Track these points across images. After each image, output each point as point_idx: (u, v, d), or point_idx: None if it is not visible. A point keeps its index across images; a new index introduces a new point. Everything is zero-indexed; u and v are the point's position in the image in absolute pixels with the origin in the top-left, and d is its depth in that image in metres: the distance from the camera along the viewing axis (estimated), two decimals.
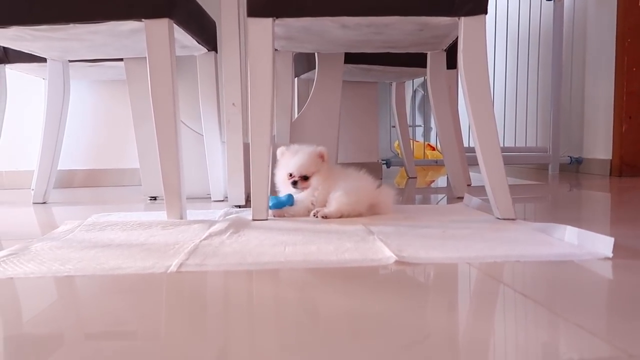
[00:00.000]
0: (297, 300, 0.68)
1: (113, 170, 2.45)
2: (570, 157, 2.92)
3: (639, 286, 0.72)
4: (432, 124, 4.04)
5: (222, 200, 1.76)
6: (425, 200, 1.89)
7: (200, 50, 1.66)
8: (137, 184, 2.24)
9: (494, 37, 3.24)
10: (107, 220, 1.29)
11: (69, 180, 2.43)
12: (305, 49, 1.77)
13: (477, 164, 1.28)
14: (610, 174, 2.63)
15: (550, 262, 0.84)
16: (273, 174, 1.38)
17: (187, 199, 1.34)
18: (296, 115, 2.17)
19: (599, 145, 2.75)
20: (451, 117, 1.92)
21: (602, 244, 0.87)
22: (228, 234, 1.07)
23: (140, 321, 0.61)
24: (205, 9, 1.58)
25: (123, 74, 1.89)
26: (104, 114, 2.45)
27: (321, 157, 1.35)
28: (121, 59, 1.84)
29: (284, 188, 1.38)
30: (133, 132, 1.88)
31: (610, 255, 0.84)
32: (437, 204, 1.79)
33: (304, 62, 2.23)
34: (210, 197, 1.80)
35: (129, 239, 1.04)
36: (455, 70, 1.99)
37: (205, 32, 1.59)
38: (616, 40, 2.59)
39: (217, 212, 1.40)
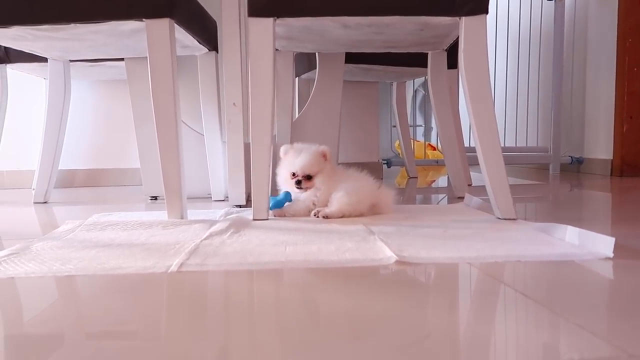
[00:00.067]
0: (298, 300, 0.68)
1: (114, 170, 2.46)
2: (571, 157, 2.92)
3: (639, 286, 0.72)
4: (433, 124, 4.04)
5: (223, 200, 1.76)
6: (426, 200, 1.89)
7: (201, 50, 1.66)
8: (137, 184, 2.24)
9: (494, 37, 3.23)
10: (107, 220, 1.29)
11: (70, 180, 2.43)
12: (306, 48, 1.77)
13: (478, 164, 1.28)
14: (611, 174, 2.63)
15: (551, 262, 0.84)
16: (275, 174, 1.37)
17: (187, 198, 1.34)
18: (297, 115, 2.17)
19: (600, 145, 2.75)
20: (452, 116, 1.91)
21: (603, 244, 0.86)
22: (229, 233, 1.07)
23: (140, 321, 0.61)
24: (206, 9, 1.59)
25: (124, 74, 1.89)
26: (105, 113, 2.46)
27: (324, 156, 1.35)
28: (122, 59, 1.84)
29: (286, 188, 1.37)
30: (134, 132, 1.88)
31: (611, 255, 0.84)
32: (437, 203, 1.79)
33: (304, 62, 2.23)
34: (211, 197, 1.80)
35: (129, 239, 1.04)
36: (456, 70, 1.99)
37: (206, 32, 1.59)
38: (617, 40, 2.59)
39: (217, 212, 1.40)
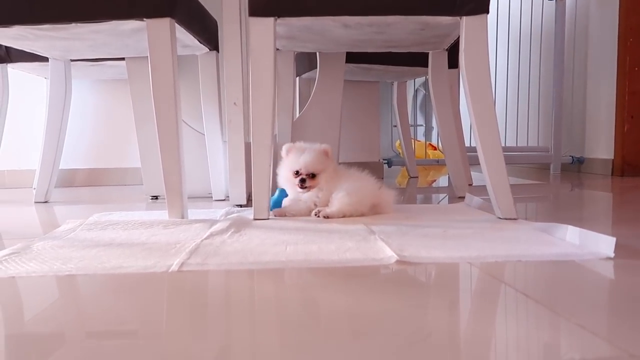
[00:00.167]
0: (298, 300, 0.68)
1: (114, 169, 2.46)
2: (572, 157, 2.92)
3: None
4: (434, 124, 4.04)
5: (224, 200, 1.76)
6: (427, 200, 1.89)
7: (201, 49, 1.66)
8: (138, 183, 2.24)
9: (495, 37, 3.23)
10: (108, 219, 1.29)
11: (71, 180, 2.43)
12: (307, 48, 1.77)
13: (479, 164, 1.28)
14: (612, 174, 2.63)
15: (552, 261, 0.84)
16: (275, 174, 1.37)
17: (188, 198, 1.34)
18: (297, 115, 2.17)
19: (601, 144, 2.75)
20: (452, 116, 1.91)
21: (603, 244, 0.86)
22: (229, 233, 1.07)
23: (141, 320, 0.61)
24: (207, 9, 1.59)
25: (125, 74, 1.89)
26: (106, 113, 2.46)
27: (326, 154, 1.35)
28: (123, 59, 1.84)
29: (288, 187, 1.37)
30: (134, 132, 1.88)
31: (612, 255, 0.83)
32: (438, 203, 1.79)
33: (305, 62, 2.23)
34: (212, 197, 1.80)
35: (130, 238, 1.04)
36: (456, 69, 1.99)
37: (206, 31, 1.59)
38: (618, 40, 2.59)
39: (218, 212, 1.40)
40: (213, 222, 1.21)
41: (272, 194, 1.36)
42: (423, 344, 0.52)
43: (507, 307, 0.66)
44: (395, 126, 2.89)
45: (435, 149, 3.69)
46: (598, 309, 0.65)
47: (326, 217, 1.26)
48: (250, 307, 0.67)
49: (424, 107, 4.40)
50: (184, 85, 1.57)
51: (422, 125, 4.38)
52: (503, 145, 1.30)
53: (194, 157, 1.76)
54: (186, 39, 1.47)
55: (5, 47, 1.85)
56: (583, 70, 2.90)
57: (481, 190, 1.57)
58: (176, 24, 1.28)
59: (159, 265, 0.81)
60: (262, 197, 1.28)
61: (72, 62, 1.90)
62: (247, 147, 1.48)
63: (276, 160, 1.38)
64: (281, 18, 1.27)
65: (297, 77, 2.39)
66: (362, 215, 1.30)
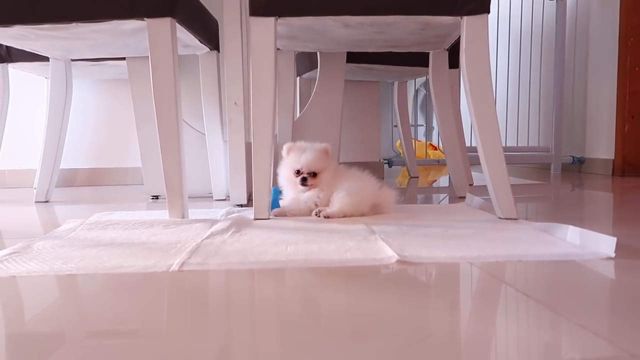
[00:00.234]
0: (299, 299, 0.68)
1: (115, 169, 2.46)
2: (573, 157, 2.92)
3: None
4: (434, 124, 4.04)
5: (224, 200, 1.76)
6: (427, 200, 1.89)
7: (202, 49, 1.66)
8: (139, 183, 2.24)
9: (496, 37, 3.23)
10: (109, 219, 1.29)
11: (71, 179, 2.43)
12: (308, 48, 1.77)
13: (479, 164, 1.28)
14: (613, 174, 2.63)
15: (553, 261, 0.84)
16: (276, 174, 1.37)
17: (189, 198, 1.34)
18: (298, 115, 2.17)
19: (602, 145, 2.75)
20: (453, 116, 1.91)
21: (604, 244, 0.86)
22: (230, 233, 1.07)
23: (142, 320, 0.61)
24: (208, 8, 1.59)
25: (125, 73, 1.89)
26: (106, 113, 2.46)
27: (326, 153, 1.35)
28: (123, 58, 1.85)
29: (289, 187, 1.37)
30: (135, 131, 1.88)
31: (613, 255, 0.83)
32: (439, 203, 1.79)
33: (306, 62, 2.23)
34: (212, 196, 1.80)
35: (130, 238, 1.04)
36: (457, 69, 1.99)
37: (207, 31, 1.59)
38: (619, 40, 2.59)
39: (219, 211, 1.40)
40: (213, 221, 1.21)
41: None
42: (423, 344, 0.52)
43: (508, 307, 0.66)
44: (396, 126, 2.89)
45: (435, 149, 3.69)
46: (599, 309, 0.65)
47: (327, 217, 1.26)
48: (251, 306, 0.67)
49: (424, 107, 4.40)
50: (185, 85, 1.57)
51: (422, 125, 4.38)
52: (504, 145, 1.29)
53: (194, 156, 1.76)
54: (187, 39, 1.47)
55: (6, 46, 1.85)
56: (584, 70, 2.89)
57: (482, 190, 1.57)
58: (177, 24, 1.28)
59: (160, 265, 0.81)
60: (262, 197, 1.28)
61: (72, 62, 1.90)
62: (248, 146, 1.48)
63: (277, 160, 1.38)
64: (282, 18, 1.27)
65: (298, 77, 2.39)
66: (362, 215, 1.30)
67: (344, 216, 1.28)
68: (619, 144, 2.61)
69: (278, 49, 1.41)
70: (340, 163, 1.57)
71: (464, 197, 1.59)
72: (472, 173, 2.29)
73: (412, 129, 3.22)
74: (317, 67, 2.02)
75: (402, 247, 0.90)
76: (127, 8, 1.24)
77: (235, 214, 1.34)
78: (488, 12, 1.25)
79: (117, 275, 0.79)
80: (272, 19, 1.26)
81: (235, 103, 1.53)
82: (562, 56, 2.92)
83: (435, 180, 2.74)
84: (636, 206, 1.60)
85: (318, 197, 1.33)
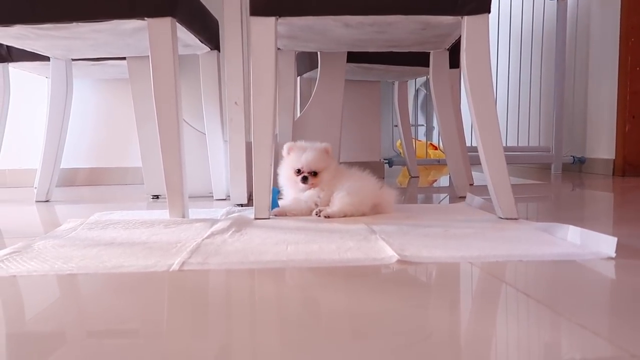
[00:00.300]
0: (299, 299, 0.68)
1: (115, 168, 2.46)
2: (573, 157, 2.92)
3: None
4: (435, 123, 4.04)
5: (224, 199, 1.76)
6: (428, 200, 1.89)
7: (202, 49, 1.66)
8: (139, 183, 2.24)
9: (497, 36, 3.23)
10: (109, 218, 1.29)
11: (72, 179, 2.43)
12: (308, 47, 1.77)
13: (480, 164, 1.28)
14: (613, 174, 2.63)
15: (553, 261, 0.84)
16: (276, 174, 1.37)
17: (189, 197, 1.34)
18: (298, 114, 2.17)
19: (602, 144, 2.74)
20: (454, 116, 1.91)
21: (605, 244, 0.86)
22: (230, 232, 1.07)
23: (142, 319, 0.61)
24: (208, 8, 1.59)
25: (126, 73, 1.89)
26: (107, 112, 2.46)
27: (327, 152, 1.35)
28: (124, 58, 1.85)
29: (289, 187, 1.37)
30: (135, 131, 1.88)
31: (613, 255, 0.83)
32: (439, 203, 1.79)
33: (306, 61, 2.23)
34: (213, 196, 1.80)
35: (131, 238, 1.04)
36: (458, 69, 1.99)
37: (207, 31, 1.59)
38: (620, 40, 2.58)
39: (219, 211, 1.40)
40: (214, 221, 1.21)
41: None
42: (424, 344, 0.52)
43: (508, 306, 0.65)
44: (396, 126, 2.89)
45: (436, 148, 3.69)
46: (599, 308, 0.65)
47: (327, 216, 1.26)
48: (251, 306, 0.67)
49: (425, 107, 4.40)
50: (185, 84, 1.57)
51: (423, 125, 4.38)
52: (504, 145, 1.29)
53: (195, 156, 1.76)
54: (187, 39, 1.48)
55: (7, 46, 1.85)
56: (584, 70, 2.89)
57: (482, 190, 1.57)
58: (177, 24, 1.28)
59: (160, 265, 0.81)
60: (263, 197, 1.28)
61: (73, 62, 1.90)
62: (248, 146, 1.48)
63: (277, 159, 1.38)
64: (282, 17, 1.27)
65: (298, 77, 2.39)
66: (363, 215, 1.30)
67: (345, 216, 1.28)
68: (619, 144, 2.61)
69: (278, 48, 1.41)
70: (341, 163, 1.57)
71: (465, 197, 1.59)
72: (473, 173, 2.29)
73: (413, 128, 3.22)
74: (317, 67, 2.02)
75: (403, 247, 0.90)
76: (127, 8, 1.24)
77: (236, 214, 1.34)
78: (489, 11, 1.25)
79: (118, 274, 0.79)
80: (272, 18, 1.26)
81: (235, 103, 1.53)
82: (562, 56, 2.92)
83: (435, 180, 2.74)
84: (637, 206, 1.60)
85: (318, 197, 1.33)
